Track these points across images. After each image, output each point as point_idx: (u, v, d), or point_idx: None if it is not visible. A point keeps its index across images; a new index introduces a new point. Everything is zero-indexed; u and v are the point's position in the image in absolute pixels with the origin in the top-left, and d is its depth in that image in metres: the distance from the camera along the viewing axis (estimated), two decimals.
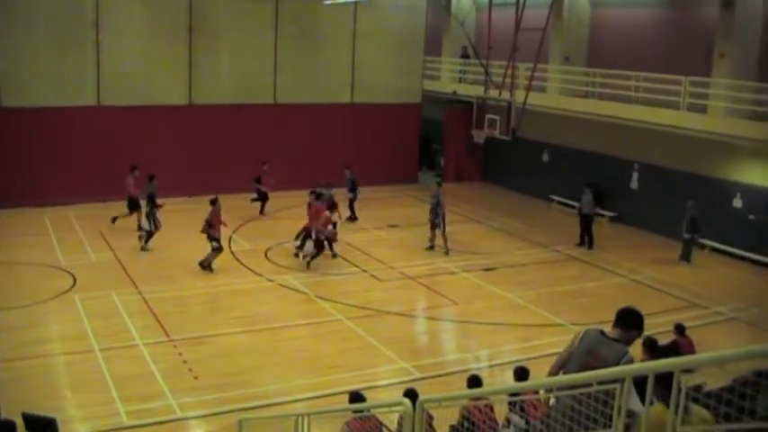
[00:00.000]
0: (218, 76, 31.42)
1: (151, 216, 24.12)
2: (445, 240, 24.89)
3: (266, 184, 28.84)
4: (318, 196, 24.30)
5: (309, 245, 23.50)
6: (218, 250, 22.18)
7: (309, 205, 24.18)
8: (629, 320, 6.76)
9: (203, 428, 13.71)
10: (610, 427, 5.50)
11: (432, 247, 25.07)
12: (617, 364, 6.13)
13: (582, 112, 29.45)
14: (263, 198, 28.90)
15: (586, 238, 26.12)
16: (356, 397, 10.81)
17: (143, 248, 23.83)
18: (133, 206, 25.28)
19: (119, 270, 21.90)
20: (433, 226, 24.92)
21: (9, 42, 27.65)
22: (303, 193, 25.63)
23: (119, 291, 20.15)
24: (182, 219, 25.92)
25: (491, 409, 9.58)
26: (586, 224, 26.28)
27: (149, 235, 24.03)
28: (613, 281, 22.87)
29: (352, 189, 28.39)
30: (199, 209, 24.30)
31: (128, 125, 29.51)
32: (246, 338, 17.69)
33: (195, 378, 15.39)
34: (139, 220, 24.83)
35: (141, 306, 19.23)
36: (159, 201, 24.42)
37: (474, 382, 11.12)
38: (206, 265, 22.03)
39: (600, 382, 5.64)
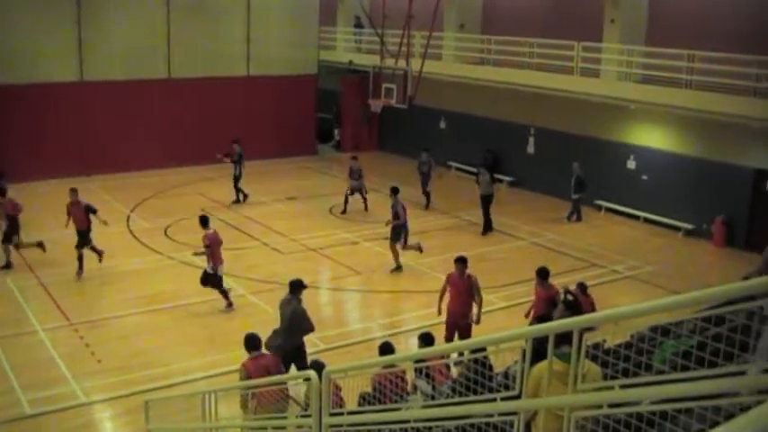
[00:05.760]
0: (108, 51, 30.48)
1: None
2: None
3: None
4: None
5: None
6: None
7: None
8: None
9: (109, 412, 13.50)
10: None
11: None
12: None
13: (478, 78, 29.73)
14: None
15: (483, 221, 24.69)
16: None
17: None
18: None
19: (11, 254, 21.22)
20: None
21: None
22: (201, 168, 25.22)
23: (13, 276, 19.64)
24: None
25: (402, 378, 9.60)
26: (485, 205, 24.55)
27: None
28: (514, 244, 23.23)
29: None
30: (92, 188, 23.65)
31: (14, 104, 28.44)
32: (149, 318, 17.43)
33: (98, 361, 15.12)
34: None
35: (38, 290, 18.76)
36: None
37: (385, 348, 11.17)
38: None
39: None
